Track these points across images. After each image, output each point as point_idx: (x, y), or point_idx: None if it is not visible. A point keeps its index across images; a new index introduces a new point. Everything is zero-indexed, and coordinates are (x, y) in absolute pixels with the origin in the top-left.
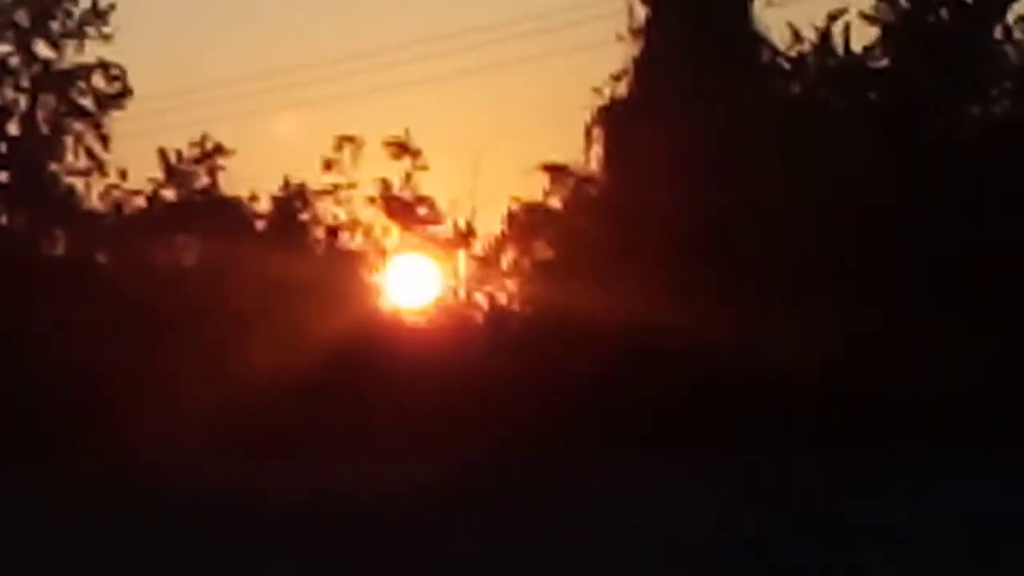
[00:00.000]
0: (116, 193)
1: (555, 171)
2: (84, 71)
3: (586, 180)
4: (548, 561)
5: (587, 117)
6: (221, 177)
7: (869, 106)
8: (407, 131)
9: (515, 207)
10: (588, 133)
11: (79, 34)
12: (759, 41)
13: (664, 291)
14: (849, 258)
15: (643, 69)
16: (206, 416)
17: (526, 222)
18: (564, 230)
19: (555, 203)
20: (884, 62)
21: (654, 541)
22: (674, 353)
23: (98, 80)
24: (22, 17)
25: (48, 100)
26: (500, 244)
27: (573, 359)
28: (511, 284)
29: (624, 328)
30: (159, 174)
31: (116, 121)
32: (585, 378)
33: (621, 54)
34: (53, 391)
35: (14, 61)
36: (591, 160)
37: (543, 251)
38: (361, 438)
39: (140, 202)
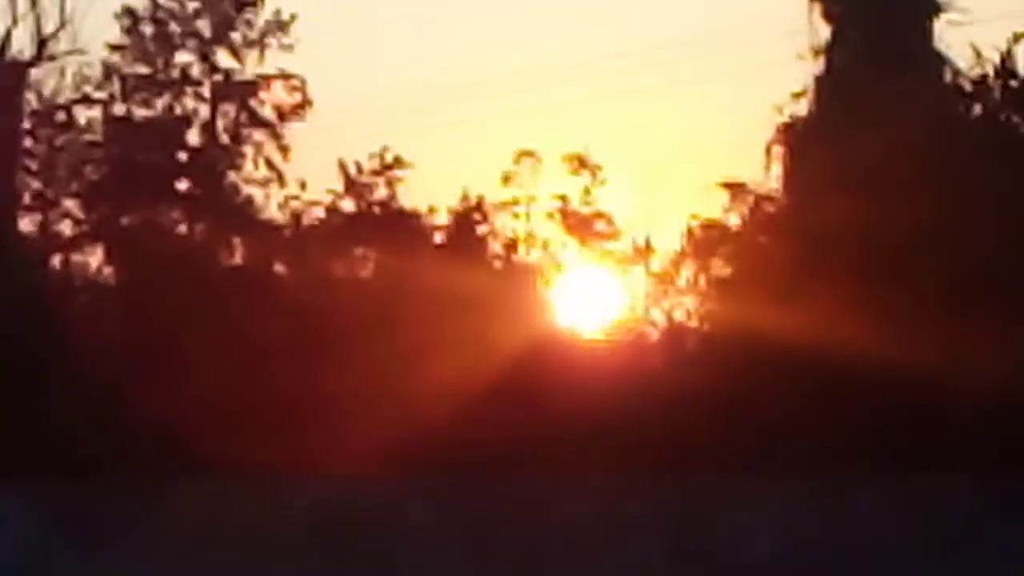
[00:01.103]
0: (295, 204)
1: (734, 188)
2: (265, 81)
3: (765, 198)
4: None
5: (767, 135)
6: (400, 189)
7: None
8: (586, 146)
9: (693, 224)
10: (768, 151)
11: (260, 44)
12: (941, 61)
13: (843, 309)
14: None
15: (824, 87)
16: (381, 431)
17: (704, 239)
18: (743, 247)
19: (734, 220)
20: None
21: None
22: (854, 372)
23: (279, 91)
24: (204, 27)
25: (229, 110)
26: (678, 261)
27: (751, 377)
28: (688, 301)
29: (802, 346)
30: (338, 185)
31: (296, 132)
32: (763, 396)
33: (802, 72)
34: (228, 401)
35: (196, 71)
36: (771, 178)
37: (721, 268)
38: (538, 454)
39: (319, 213)
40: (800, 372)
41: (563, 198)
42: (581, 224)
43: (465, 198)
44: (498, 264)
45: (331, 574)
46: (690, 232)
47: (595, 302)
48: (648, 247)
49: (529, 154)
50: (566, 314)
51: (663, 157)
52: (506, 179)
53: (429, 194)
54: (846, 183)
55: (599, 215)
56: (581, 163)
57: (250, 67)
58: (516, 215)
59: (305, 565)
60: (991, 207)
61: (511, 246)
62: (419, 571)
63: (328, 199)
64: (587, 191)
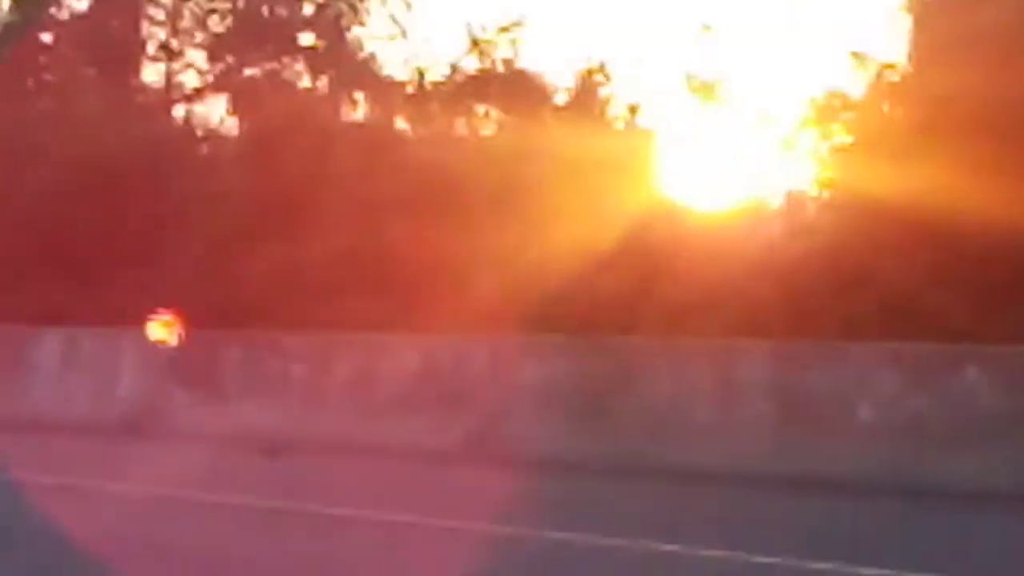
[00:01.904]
0: (417, 62)
1: (856, 55)
2: None
3: (888, 66)
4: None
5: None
6: (523, 49)
7: None
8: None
9: (814, 92)
10: (890, 18)
11: None
12: None
13: (965, 171)
14: None
15: None
16: (501, 292)
17: (825, 106)
18: (864, 115)
19: (856, 88)
20: None
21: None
22: (976, 235)
23: None
24: None
25: None
26: (798, 128)
27: (870, 243)
28: (809, 168)
29: (923, 210)
30: (462, 44)
31: None
32: (883, 261)
33: None
34: (347, 259)
35: None
36: (895, 47)
37: (841, 135)
38: (656, 317)
39: (442, 71)
40: (921, 236)
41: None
42: (700, 88)
43: (588, 59)
44: (621, 126)
45: (439, 426)
46: (811, 100)
47: (715, 168)
48: (768, 112)
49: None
50: (687, 181)
51: (784, 24)
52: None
53: (552, 55)
54: (968, 47)
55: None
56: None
57: None
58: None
59: (414, 416)
60: None
61: (634, 108)
62: (529, 428)
63: (451, 57)
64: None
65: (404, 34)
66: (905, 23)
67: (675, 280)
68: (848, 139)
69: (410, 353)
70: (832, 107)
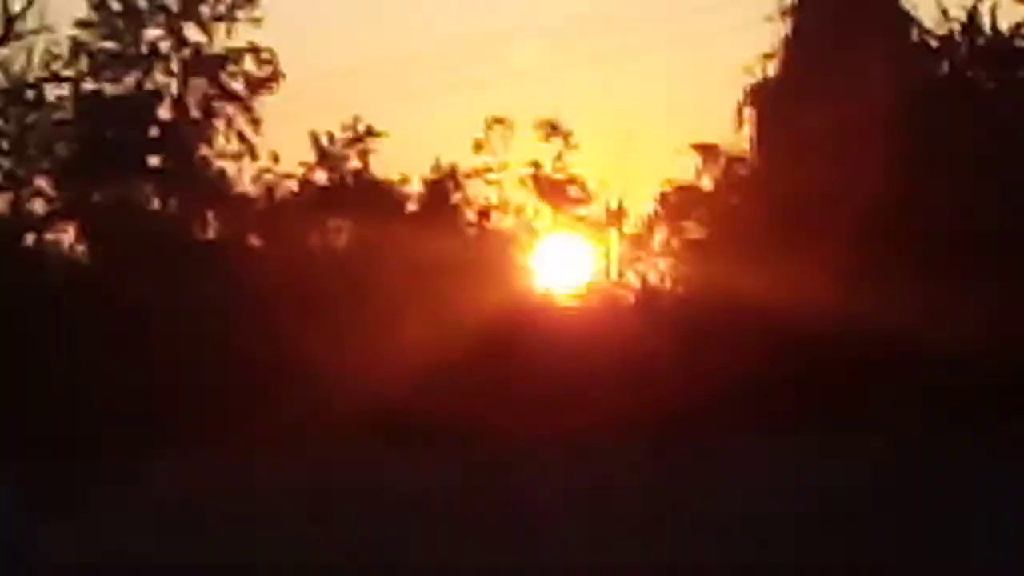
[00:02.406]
0: (267, 176)
1: (706, 150)
2: (235, 55)
3: (737, 159)
4: (704, 537)
5: (738, 97)
6: (372, 160)
7: (1017, 83)
8: (557, 112)
9: (667, 187)
10: (739, 112)
11: (229, 18)
12: (908, 20)
13: (814, 269)
14: (998, 234)
15: (793, 48)
16: (359, 398)
17: (678, 201)
18: (716, 209)
19: (706, 183)
20: None
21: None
22: (824, 331)
23: (249, 64)
24: (172, 2)
25: (199, 84)
26: (652, 223)
27: (724, 337)
28: (662, 264)
29: (775, 307)
30: (311, 157)
31: (267, 104)
32: (738, 356)
33: (772, 34)
34: (205, 374)
35: (165, 46)
36: (742, 140)
37: (695, 230)
38: (514, 415)
39: (291, 185)
40: (772, 332)
41: (535, 164)
42: (554, 189)
43: (437, 167)
44: (472, 231)
45: (306, 537)
46: (663, 195)
47: (570, 267)
48: (621, 211)
49: (500, 121)
50: (541, 280)
51: (635, 121)
52: (478, 146)
53: (402, 163)
54: (816, 144)
55: (571, 180)
56: (553, 129)
57: (219, 41)
58: (489, 182)
59: (281, 529)
60: (960, 164)
61: (484, 213)
62: (395, 532)
63: (301, 171)
64: (559, 157)
65: (253, 151)
66: (751, 115)
67: (533, 379)
68: (701, 234)
69: (278, 466)
70: (684, 202)
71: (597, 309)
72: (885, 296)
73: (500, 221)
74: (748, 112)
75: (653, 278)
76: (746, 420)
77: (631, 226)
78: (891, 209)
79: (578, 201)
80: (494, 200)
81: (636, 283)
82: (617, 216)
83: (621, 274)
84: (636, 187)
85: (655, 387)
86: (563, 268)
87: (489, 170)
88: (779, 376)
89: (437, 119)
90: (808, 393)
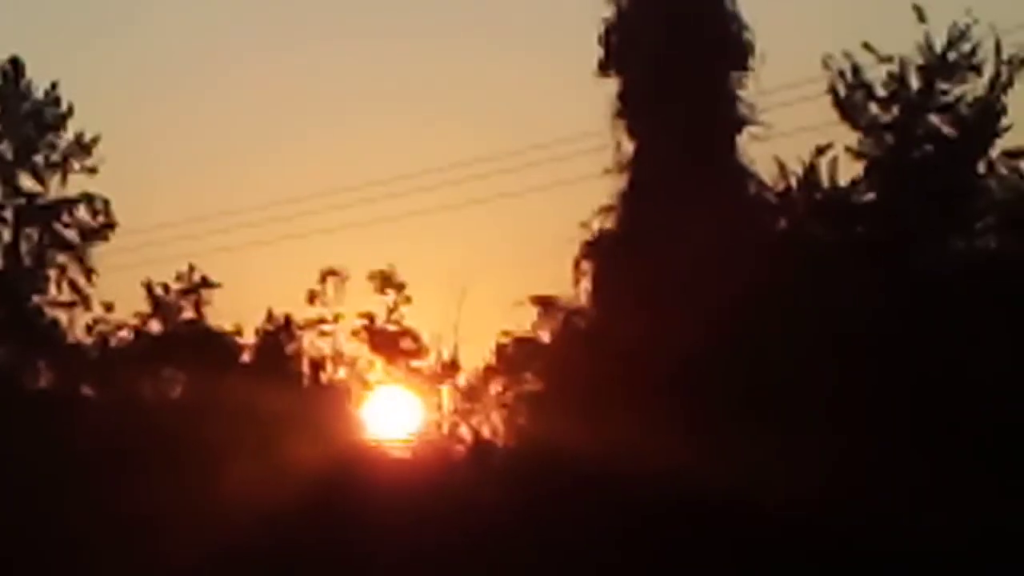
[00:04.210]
0: (101, 326)
1: (544, 303)
2: (68, 203)
3: (575, 312)
4: None
5: (575, 250)
6: (207, 310)
7: (855, 239)
8: (392, 264)
9: (504, 339)
10: (577, 266)
11: (63, 166)
12: (746, 175)
13: (652, 426)
14: (834, 390)
15: (630, 202)
16: (189, 553)
17: (515, 354)
18: (553, 363)
19: (544, 336)
20: (870, 196)
21: None
22: (662, 490)
23: (82, 212)
24: (5, 150)
25: (32, 233)
26: (486, 376)
27: (560, 493)
28: (496, 418)
29: (612, 463)
30: (145, 307)
31: (101, 254)
32: (571, 512)
33: (608, 187)
34: (34, 528)
35: None
36: (580, 293)
37: (532, 383)
38: (346, 571)
39: (125, 335)
40: (607, 489)
41: (369, 316)
42: (387, 342)
43: (271, 317)
44: (305, 383)
45: None
46: (500, 348)
47: (403, 420)
48: (455, 364)
49: (334, 273)
50: (374, 432)
51: (470, 274)
52: (312, 298)
53: (236, 314)
54: (651, 297)
55: (405, 333)
56: (386, 281)
57: (53, 189)
58: (323, 333)
59: None
60: (796, 319)
61: (318, 365)
62: None
63: (135, 321)
64: (392, 309)
65: (86, 300)
66: (588, 267)
67: (365, 531)
68: (538, 387)
69: None
70: (521, 355)
71: (429, 462)
72: (719, 451)
73: (333, 373)
74: (585, 266)
75: (486, 432)
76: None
77: (464, 379)
78: (723, 362)
79: (412, 353)
80: (327, 352)
81: (468, 436)
82: (450, 369)
83: (454, 427)
84: (471, 340)
85: (487, 540)
86: (396, 420)
87: (323, 321)
88: (610, 531)
89: (271, 270)
90: (639, 550)
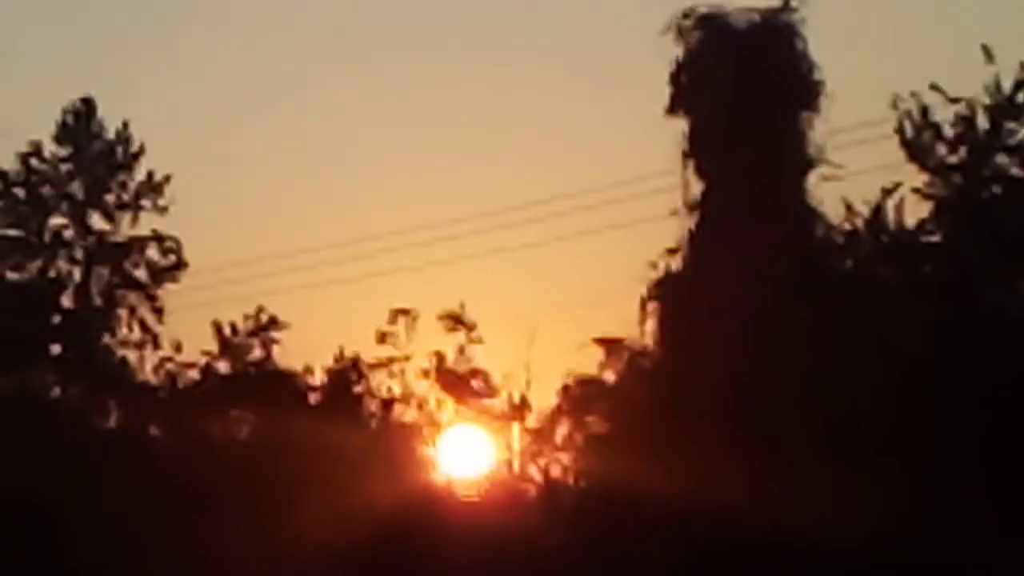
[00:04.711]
0: (170, 366)
1: (610, 344)
2: (139, 243)
3: (641, 353)
4: None
5: (642, 291)
6: (275, 350)
7: (922, 281)
8: (462, 304)
9: (570, 380)
10: (643, 306)
11: (134, 206)
12: (813, 215)
13: (720, 465)
14: (904, 433)
15: (698, 242)
16: None
17: (580, 395)
18: (618, 403)
19: (609, 376)
20: (937, 237)
21: None
22: (730, 527)
23: (153, 252)
24: (77, 189)
25: (102, 272)
26: (554, 417)
27: (627, 534)
28: (565, 458)
29: (679, 502)
30: (214, 347)
31: (170, 293)
32: (640, 554)
33: (676, 228)
34: (110, 569)
35: (68, 233)
36: (645, 334)
37: (597, 425)
38: None
39: (194, 375)
40: (676, 528)
41: (439, 356)
42: (457, 382)
43: (341, 357)
44: (375, 423)
45: None
46: (566, 388)
47: (473, 460)
48: (524, 404)
49: (404, 312)
50: (444, 472)
51: (540, 314)
52: (382, 338)
53: (305, 354)
54: (717, 337)
55: (475, 373)
56: (457, 321)
57: (124, 228)
58: (392, 374)
59: None
60: (862, 360)
61: (388, 405)
62: None
63: (203, 361)
64: (463, 349)
65: (155, 340)
66: (655, 309)
67: (435, 572)
68: (603, 428)
69: None
70: (586, 396)
71: (499, 502)
72: (788, 489)
73: (403, 413)
74: (652, 306)
75: (555, 472)
76: None
77: (534, 420)
78: (792, 402)
79: (481, 394)
80: (397, 391)
81: (538, 477)
82: (520, 409)
83: (523, 467)
84: (540, 381)
85: None
86: (465, 461)
87: (392, 361)
88: (680, 570)
89: (341, 310)
90: None
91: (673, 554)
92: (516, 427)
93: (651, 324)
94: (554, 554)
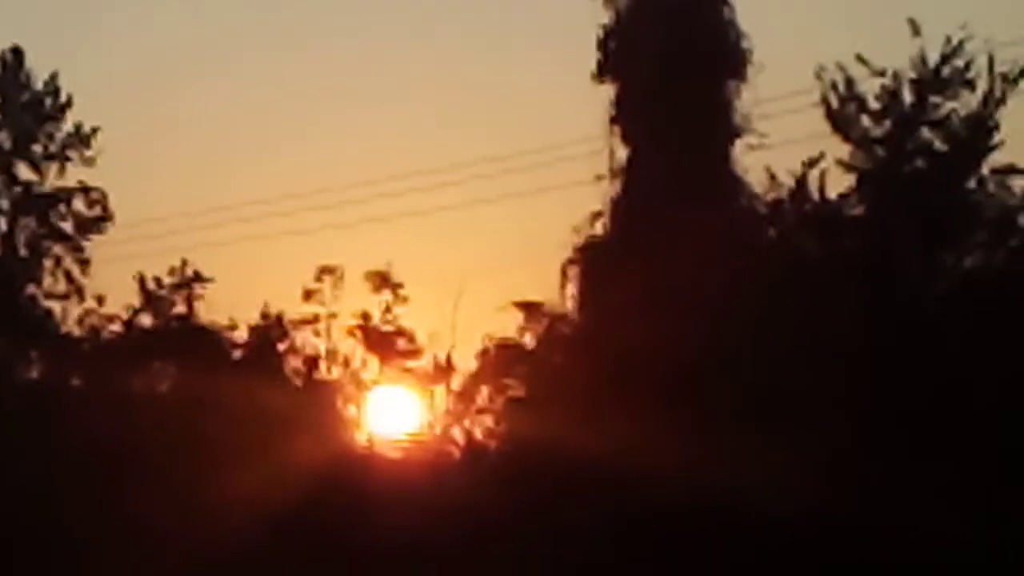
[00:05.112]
0: (93, 318)
1: (529, 308)
2: (65, 194)
3: (560, 318)
4: None
5: (567, 255)
6: (199, 305)
7: (844, 252)
8: (389, 263)
9: (488, 344)
10: (564, 271)
11: (61, 157)
12: (738, 184)
13: (637, 428)
14: (822, 401)
15: (621, 208)
16: (179, 551)
17: (499, 359)
18: (537, 368)
19: (529, 341)
20: (860, 209)
21: None
22: (648, 491)
23: (79, 203)
24: (4, 139)
25: (28, 223)
26: (474, 380)
27: (549, 496)
28: (488, 420)
29: (599, 466)
30: (137, 300)
31: (96, 246)
32: (561, 514)
33: (601, 193)
34: (22, 520)
35: None
36: (566, 299)
37: (516, 389)
38: (337, 573)
39: (117, 328)
40: (596, 492)
41: (365, 315)
42: (383, 341)
43: (265, 314)
44: (298, 381)
45: None
46: (485, 352)
47: (396, 420)
48: (449, 365)
49: (331, 271)
50: (367, 432)
51: (466, 275)
52: (308, 295)
53: (230, 310)
54: (636, 302)
55: (400, 332)
56: (383, 280)
57: (51, 179)
58: (317, 332)
59: None
60: (783, 328)
61: (312, 362)
62: None
63: (127, 314)
64: (388, 308)
65: (80, 292)
66: (575, 272)
67: (355, 532)
68: (522, 392)
69: None
70: (505, 359)
71: (422, 463)
72: (704, 454)
73: (327, 371)
74: (573, 271)
75: (478, 434)
76: None
77: (458, 381)
78: (711, 369)
79: (406, 353)
80: (322, 349)
81: (461, 438)
82: (445, 371)
83: (447, 428)
84: (465, 343)
85: (482, 544)
86: (389, 421)
87: (318, 319)
88: (598, 533)
89: (267, 267)
90: (627, 551)
91: (591, 517)
92: (440, 388)
93: (571, 289)
94: (477, 516)
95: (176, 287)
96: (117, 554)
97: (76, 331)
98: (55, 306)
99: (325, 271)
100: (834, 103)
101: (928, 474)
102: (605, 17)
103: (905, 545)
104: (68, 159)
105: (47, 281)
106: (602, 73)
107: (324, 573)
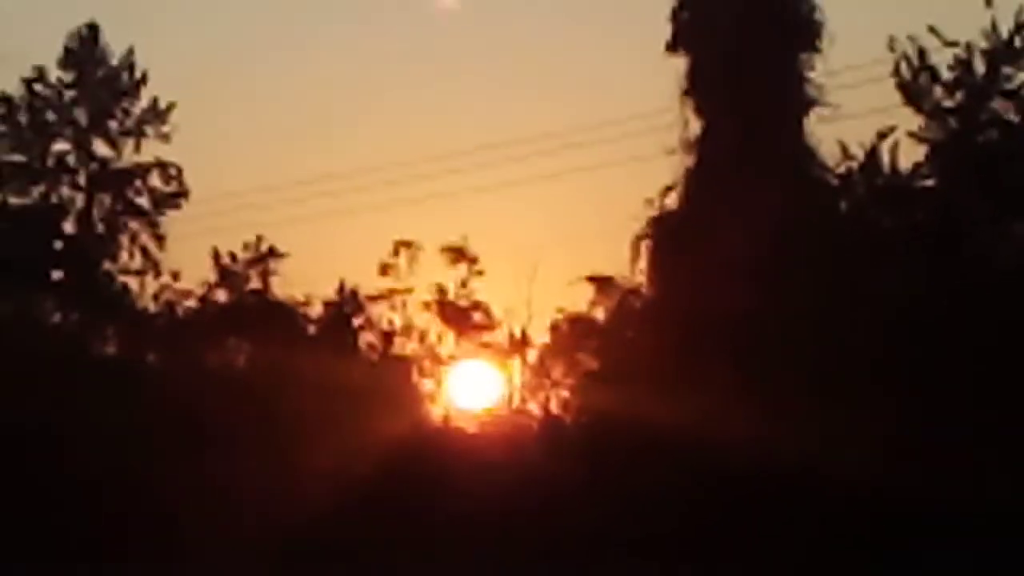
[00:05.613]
0: (169, 294)
1: (600, 282)
2: (141, 170)
3: (631, 292)
4: None
5: (639, 228)
6: (274, 280)
7: (914, 224)
8: (465, 237)
9: (559, 318)
10: (635, 246)
11: (138, 133)
12: (809, 156)
13: (713, 398)
14: (892, 370)
15: (694, 181)
16: (256, 523)
17: (570, 333)
18: (608, 341)
19: (599, 314)
20: (930, 181)
21: None
22: (726, 458)
23: (155, 180)
24: (80, 115)
25: (104, 199)
26: (547, 354)
27: (624, 467)
28: (562, 392)
29: (675, 435)
30: (212, 275)
31: (172, 221)
32: (636, 485)
33: (673, 166)
34: (105, 493)
35: (71, 159)
36: (637, 272)
37: (588, 361)
38: (417, 542)
39: (192, 303)
40: (671, 462)
41: (441, 289)
42: (458, 315)
43: (341, 289)
44: (374, 355)
45: None
46: (555, 326)
47: (473, 393)
48: (524, 339)
49: (407, 245)
50: (444, 405)
51: (542, 250)
52: (384, 270)
53: (305, 285)
54: (709, 275)
55: (476, 306)
56: (459, 254)
57: (127, 155)
58: (393, 306)
59: None
60: (853, 301)
61: (388, 337)
62: None
63: (202, 289)
64: (464, 283)
65: (156, 267)
66: (647, 247)
67: (433, 505)
68: (594, 365)
69: None
70: (576, 333)
71: (499, 436)
72: (780, 421)
73: (403, 345)
74: (644, 244)
75: (555, 407)
76: (648, 548)
77: (534, 354)
78: (786, 338)
79: (482, 327)
80: (398, 324)
81: (538, 411)
82: (520, 344)
83: (524, 401)
84: (540, 316)
85: (560, 515)
86: (466, 394)
87: (394, 293)
88: (672, 500)
89: (343, 242)
90: (700, 519)
91: (667, 486)
92: (516, 362)
93: (642, 262)
94: (554, 486)
95: (251, 262)
96: (198, 524)
97: (152, 307)
98: (131, 282)
99: (401, 245)
100: (906, 74)
101: (994, 443)
102: None
103: (968, 512)
104: (144, 135)
105: (123, 257)
106: (675, 46)
107: (402, 543)
